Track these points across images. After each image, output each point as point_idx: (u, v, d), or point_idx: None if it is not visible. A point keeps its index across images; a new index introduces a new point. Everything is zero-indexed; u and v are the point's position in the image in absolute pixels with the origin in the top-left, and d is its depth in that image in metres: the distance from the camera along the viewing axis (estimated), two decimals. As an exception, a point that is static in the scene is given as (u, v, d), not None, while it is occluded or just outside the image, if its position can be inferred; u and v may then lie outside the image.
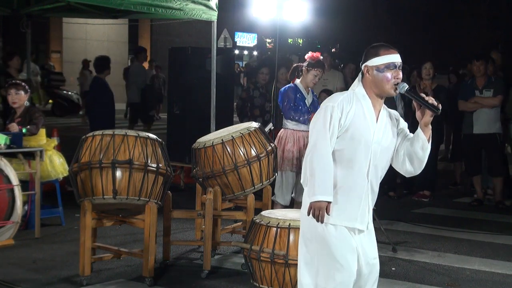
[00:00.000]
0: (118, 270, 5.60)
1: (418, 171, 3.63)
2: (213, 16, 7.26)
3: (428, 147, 3.51)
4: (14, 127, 6.83)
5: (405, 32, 31.13)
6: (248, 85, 9.70)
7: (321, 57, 6.85)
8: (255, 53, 34.39)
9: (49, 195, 7.41)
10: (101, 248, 5.57)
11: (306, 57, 6.73)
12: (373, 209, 6.53)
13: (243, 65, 27.73)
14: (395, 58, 3.49)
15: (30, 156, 6.62)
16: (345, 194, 3.48)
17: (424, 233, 7.26)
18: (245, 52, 35.56)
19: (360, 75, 3.57)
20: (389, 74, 3.45)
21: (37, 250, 6.14)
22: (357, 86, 3.54)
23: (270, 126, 7.56)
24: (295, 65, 7.03)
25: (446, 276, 5.72)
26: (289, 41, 28.49)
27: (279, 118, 7.95)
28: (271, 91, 8.68)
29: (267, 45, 34.57)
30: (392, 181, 9.16)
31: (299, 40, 32.36)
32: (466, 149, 8.84)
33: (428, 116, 3.45)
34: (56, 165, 7.04)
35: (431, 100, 3.43)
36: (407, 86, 3.49)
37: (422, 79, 8.98)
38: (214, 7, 7.25)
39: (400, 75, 3.49)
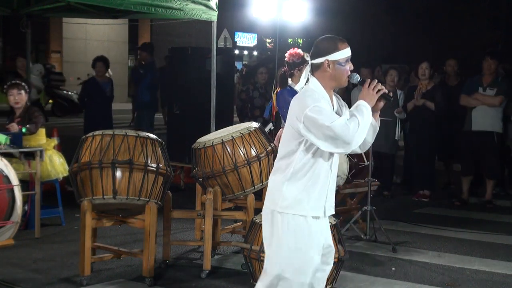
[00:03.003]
0: (118, 270, 5.60)
1: (362, 151, 3.81)
2: (213, 16, 7.27)
3: (377, 130, 3.68)
4: (13, 127, 6.83)
5: (405, 32, 31.13)
6: (247, 86, 9.69)
7: (299, 51, 6.66)
8: (255, 53, 34.42)
9: (49, 195, 7.41)
10: (101, 248, 5.58)
11: (287, 58, 6.29)
12: (373, 209, 6.62)
13: (243, 66, 27.73)
14: (349, 51, 3.61)
15: (30, 156, 6.62)
16: (313, 184, 3.54)
17: (424, 233, 7.26)
18: (245, 52, 35.57)
19: (308, 70, 3.60)
20: (347, 67, 3.57)
21: (37, 250, 6.14)
22: (311, 82, 3.58)
23: (270, 126, 7.55)
24: (281, 73, 6.87)
25: (446, 276, 5.73)
26: (289, 41, 28.48)
27: (279, 118, 7.95)
28: (270, 91, 8.67)
29: (267, 45, 34.59)
30: (388, 181, 9.16)
31: (299, 40, 32.36)
32: (463, 146, 8.84)
33: (381, 103, 3.62)
34: (56, 165, 7.04)
35: (380, 92, 3.55)
36: (359, 77, 3.64)
37: (419, 79, 9.02)
38: (214, 7, 7.25)
39: (352, 66, 3.62)
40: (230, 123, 7.73)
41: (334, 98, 3.65)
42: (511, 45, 29.07)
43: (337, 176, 6.55)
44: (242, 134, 5.54)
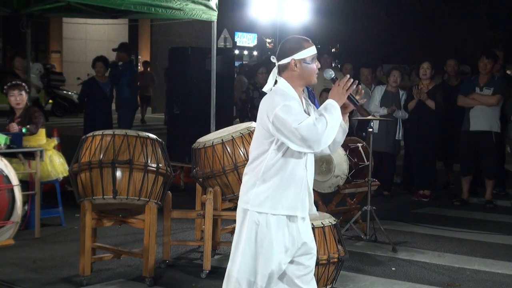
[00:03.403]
0: (118, 270, 5.60)
1: (333, 153, 3.86)
2: (213, 16, 7.26)
3: (347, 131, 3.70)
4: (13, 127, 6.83)
5: (405, 32, 31.11)
6: (247, 86, 9.69)
7: None
8: (255, 53, 34.39)
9: (49, 195, 7.41)
10: (101, 248, 5.58)
11: None
12: (373, 209, 6.62)
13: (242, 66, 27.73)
14: (315, 49, 3.63)
15: (30, 156, 6.62)
16: (286, 184, 3.52)
17: (424, 233, 7.26)
18: (245, 52, 35.54)
19: (275, 70, 3.61)
20: (314, 65, 3.59)
21: (37, 250, 6.14)
22: (280, 83, 3.59)
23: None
24: None
25: (446, 276, 5.72)
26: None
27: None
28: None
29: (267, 45, 34.56)
30: (388, 181, 9.16)
31: (299, 40, 32.27)
32: (462, 147, 8.84)
33: (351, 106, 3.63)
34: (56, 165, 7.04)
35: (350, 90, 3.55)
36: (333, 74, 3.67)
37: (420, 79, 9.02)
38: (214, 7, 7.25)
39: (319, 65, 3.64)
40: (230, 123, 7.73)
41: (303, 99, 3.65)
42: (511, 45, 29.05)
43: (337, 176, 6.64)
44: (242, 134, 5.53)
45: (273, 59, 3.64)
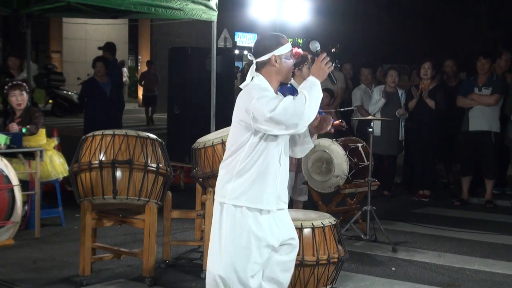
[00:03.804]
0: (118, 270, 5.60)
1: (302, 156, 3.97)
2: (213, 16, 7.26)
3: (310, 148, 3.89)
4: (14, 127, 6.83)
5: (405, 32, 31.10)
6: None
7: (300, 50, 6.77)
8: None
9: (49, 195, 7.41)
10: (101, 248, 5.57)
11: None
12: (373, 209, 6.61)
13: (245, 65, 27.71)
14: (290, 45, 3.70)
15: (30, 156, 6.62)
16: (262, 179, 3.59)
17: (424, 233, 7.26)
18: (245, 52, 35.54)
19: (253, 67, 3.67)
20: (291, 61, 3.68)
21: (37, 250, 6.14)
22: (256, 79, 3.64)
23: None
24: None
25: (446, 276, 5.72)
26: (289, 41, 28.48)
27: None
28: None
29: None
30: (388, 181, 9.16)
31: (299, 40, 32.34)
32: (461, 147, 8.84)
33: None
34: (56, 165, 7.04)
35: (331, 68, 3.63)
36: (319, 46, 3.71)
37: (421, 79, 9.02)
38: (214, 7, 7.25)
39: (294, 60, 3.79)
40: (230, 123, 7.71)
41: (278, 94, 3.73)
42: (511, 45, 29.04)
43: (337, 176, 6.63)
44: (242, 134, 5.52)
45: (251, 56, 3.69)
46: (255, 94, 3.51)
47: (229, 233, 3.58)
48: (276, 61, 3.61)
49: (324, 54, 3.61)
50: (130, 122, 19.26)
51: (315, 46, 3.70)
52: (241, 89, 3.68)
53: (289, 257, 3.78)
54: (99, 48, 10.93)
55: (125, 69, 26.77)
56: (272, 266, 3.73)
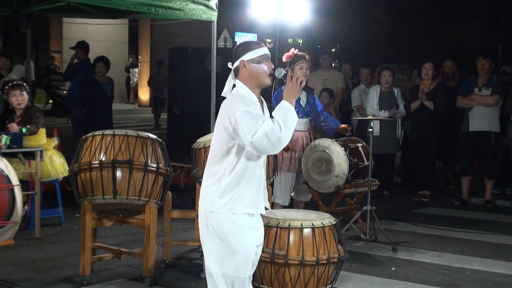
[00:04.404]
0: (118, 270, 5.60)
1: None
2: (213, 16, 7.26)
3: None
4: (14, 127, 6.83)
5: (405, 32, 31.11)
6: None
7: (296, 50, 6.76)
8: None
9: (49, 195, 7.41)
10: (101, 248, 5.58)
11: (284, 60, 6.63)
12: (373, 209, 6.61)
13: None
14: (267, 50, 3.71)
15: (30, 156, 6.62)
16: (246, 184, 3.64)
17: (424, 233, 7.26)
18: (245, 52, 35.53)
19: (232, 74, 3.73)
20: (264, 65, 3.66)
21: (37, 250, 6.14)
22: (237, 85, 3.69)
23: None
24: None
25: (446, 276, 5.73)
26: (289, 41, 28.44)
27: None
28: (270, 91, 8.63)
29: (267, 45, 34.55)
30: (388, 181, 9.16)
31: (299, 40, 32.32)
32: (461, 147, 8.84)
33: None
34: (56, 165, 7.04)
35: (303, 83, 3.63)
36: (284, 71, 3.72)
37: (422, 79, 9.02)
38: (214, 7, 7.25)
39: (272, 64, 3.71)
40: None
41: (261, 101, 3.75)
42: (511, 45, 29.05)
43: (337, 176, 6.63)
44: (242, 134, 5.52)
45: (229, 64, 3.75)
46: (239, 106, 3.54)
47: (219, 239, 3.62)
48: (245, 66, 3.67)
49: (291, 74, 3.65)
50: (131, 123, 19.28)
51: (280, 72, 3.71)
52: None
53: (257, 256, 3.85)
54: (71, 48, 10.90)
55: (136, 70, 26.71)
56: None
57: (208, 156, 3.76)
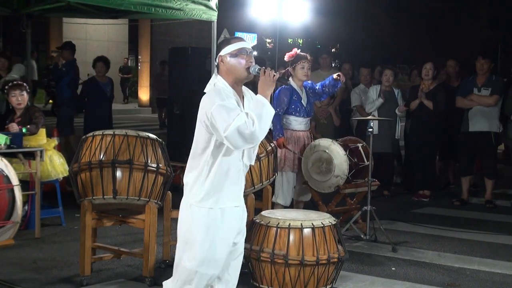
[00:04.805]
0: (118, 270, 5.60)
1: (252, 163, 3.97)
2: (213, 16, 7.27)
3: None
4: (14, 127, 6.83)
5: (405, 32, 31.13)
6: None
7: (298, 50, 6.80)
8: (255, 53, 34.40)
9: (49, 195, 7.41)
10: (101, 248, 5.58)
11: (286, 59, 6.74)
12: (373, 209, 6.61)
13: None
14: (246, 44, 3.73)
15: (30, 156, 6.62)
16: (225, 177, 3.68)
17: (424, 233, 7.26)
18: (245, 52, 35.55)
19: (215, 70, 3.80)
20: (241, 59, 3.67)
21: (37, 250, 6.14)
22: (217, 81, 3.74)
23: (270, 126, 7.53)
24: (283, 71, 6.97)
25: (446, 276, 5.73)
26: (289, 41, 28.46)
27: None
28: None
29: (267, 45, 34.57)
30: (388, 181, 9.16)
31: (299, 40, 32.32)
32: (461, 147, 8.84)
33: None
34: (56, 165, 7.04)
35: (277, 76, 3.62)
36: (258, 67, 3.69)
37: (422, 79, 9.02)
38: (214, 7, 7.26)
39: (252, 59, 3.72)
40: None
41: (248, 95, 3.79)
42: (511, 45, 29.07)
43: (337, 176, 6.63)
44: (242, 134, 5.52)
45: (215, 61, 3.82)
46: (215, 100, 3.58)
47: (194, 232, 3.67)
48: (222, 61, 3.72)
49: (264, 69, 3.65)
50: (131, 123, 19.27)
51: (254, 68, 3.70)
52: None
53: (241, 245, 3.88)
54: (58, 48, 10.90)
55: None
56: (228, 258, 3.82)
57: (191, 150, 3.79)
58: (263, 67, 3.65)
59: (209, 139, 3.64)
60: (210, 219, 3.65)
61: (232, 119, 3.47)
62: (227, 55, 3.69)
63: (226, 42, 3.76)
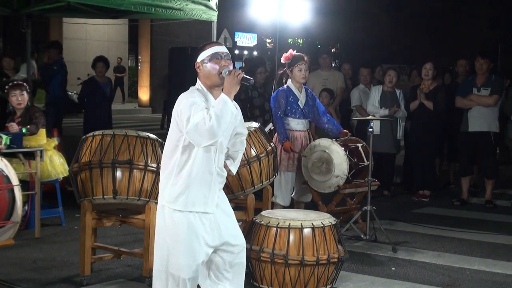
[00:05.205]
0: (118, 270, 5.60)
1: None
2: (213, 16, 7.27)
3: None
4: (14, 127, 6.83)
5: (405, 32, 31.13)
6: (246, 86, 9.69)
7: (294, 51, 6.80)
8: (255, 53, 34.42)
9: (49, 195, 7.41)
10: (101, 248, 5.58)
11: (282, 61, 6.76)
12: (373, 209, 6.62)
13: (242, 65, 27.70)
14: (219, 49, 3.78)
15: (30, 156, 6.62)
16: (197, 183, 3.69)
17: (424, 233, 7.26)
18: (245, 52, 35.58)
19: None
20: (215, 64, 3.73)
21: (37, 250, 6.14)
22: (198, 85, 3.79)
23: (270, 126, 7.55)
24: (280, 73, 6.97)
25: (446, 276, 5.73)
26: (289, 41, 28.45)
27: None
28: (270, 91, 8.66)
29: (267, 45, 34.58)
30: (388, 181, 9.16)
31: (299, 40, 32.32)
32: (461, 147, 8.85)
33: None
34: (56, 165, 7.04)
35: (241, 75, 3.65)
36: (229, 69, 3.72)
37: (422, 79, 9.01)
38: (214, 7, 7.26)
39: (228, 62, 3.75)
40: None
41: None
42: (511, 45, 29.07)
43: (337, 176, 6.63)
44: (242, 134, 5.52)
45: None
46: (182, 98, 3.64)
47: (170, 234, 3.69)
48: (198, 67, 3.78)
49: (233, 71, 3.68)
50: (131, 123, 19.28)
51: (225, 71, 3.72)
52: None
53: (233, 256, 3.87)
54: (45, 48, 10.93)
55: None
56: (217, 264, 3.85)
57: (164, 149, 3.81)
58: (234, 69, 3.69)
59: (180, 138, 3.66)
60: (179, 222, 3.67)
61: (191, 117, 3.51)
62: (202, 62, 3.75)
63: (202, 48, 3.80)
